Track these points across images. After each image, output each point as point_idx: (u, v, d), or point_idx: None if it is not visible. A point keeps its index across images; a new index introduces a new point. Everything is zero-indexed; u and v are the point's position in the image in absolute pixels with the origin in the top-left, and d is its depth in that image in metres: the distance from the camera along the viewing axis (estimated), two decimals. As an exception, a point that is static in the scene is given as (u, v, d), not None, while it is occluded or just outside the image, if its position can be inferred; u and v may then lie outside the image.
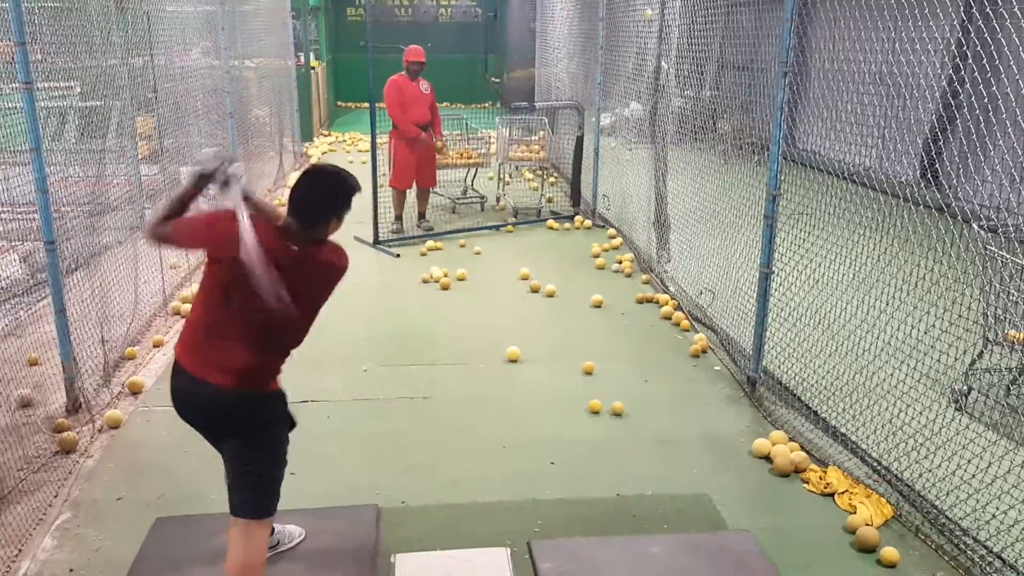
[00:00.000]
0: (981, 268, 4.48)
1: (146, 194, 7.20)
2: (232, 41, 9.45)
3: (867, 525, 3.83)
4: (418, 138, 8.85)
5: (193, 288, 6.40)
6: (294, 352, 2.97)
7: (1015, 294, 4.47)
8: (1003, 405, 4.71)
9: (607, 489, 4.23)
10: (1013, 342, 4.61)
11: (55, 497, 4.07)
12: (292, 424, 3.08)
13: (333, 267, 2.91)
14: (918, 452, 4.08)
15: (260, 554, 2.95)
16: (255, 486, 2.90)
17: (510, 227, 9.56)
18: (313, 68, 16.45)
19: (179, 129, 7.67)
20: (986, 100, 4.20)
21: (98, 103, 5.97)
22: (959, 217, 4.29)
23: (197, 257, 7.09)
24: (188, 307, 6.30)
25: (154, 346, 5.90)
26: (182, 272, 7.30)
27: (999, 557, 3.54)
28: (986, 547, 3.61)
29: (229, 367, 2.82)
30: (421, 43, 9.47)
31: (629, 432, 4.87)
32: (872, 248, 4.87)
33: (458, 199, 10.34)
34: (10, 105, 4.78)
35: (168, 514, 3.78)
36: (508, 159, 10.40)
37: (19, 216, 6.22)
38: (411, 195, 9.27)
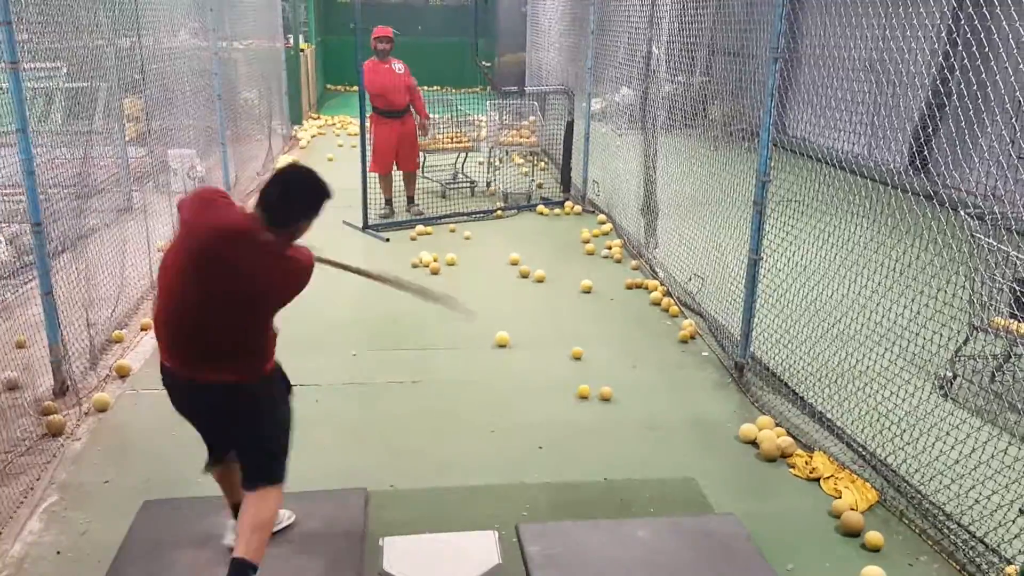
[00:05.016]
0: (968, 255, 4.51)
1: (133, 176, 7.16)
2: (220, 22, 9.37)
3: (852, 510, 3.86)
4: (396, 117, 8.75)
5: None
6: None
7: (1001, 281, 4.50)
8: (988, 391, 4.75)
9: (595, 473, 4.26)
10: (998, 329, 4.64)
11: (41, 479, 4.06)
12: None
13: (305, 267, 2.90)
14: (903, 438, 4.12)
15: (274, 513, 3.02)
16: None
17: (500, 212, 9.54)
18: (302, 50, 16.33)
19: (167, 111, 7.62)
20: (975, 88, 4.21)
21: (85, 84, 5.92)
22: (947, 204, 4.30)
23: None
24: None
25: (141, 329, 5.87)
26: (170, 255, 7.26)
27: (982, 541, 3.58)
28: (969, 531, 3.65)
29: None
30: (411, 26, 9.40)
31: (617, 417, 4.89)
32: (860, 235, 4.89)
33: (448, 184, 10.31)
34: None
35: (156, 497, 3.78)
36: (498, 144, 10.37)
37: (5, 198, 6.18)
38: (399, 179, 9.24)
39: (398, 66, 8.85)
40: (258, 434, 3.01)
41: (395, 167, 9.06)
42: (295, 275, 2.88)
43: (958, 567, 3.54)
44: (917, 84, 4.61)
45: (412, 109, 9.06)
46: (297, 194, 2.86)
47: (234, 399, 2.94)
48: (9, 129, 4.48)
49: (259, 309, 2.89)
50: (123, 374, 5.19)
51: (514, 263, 7.63)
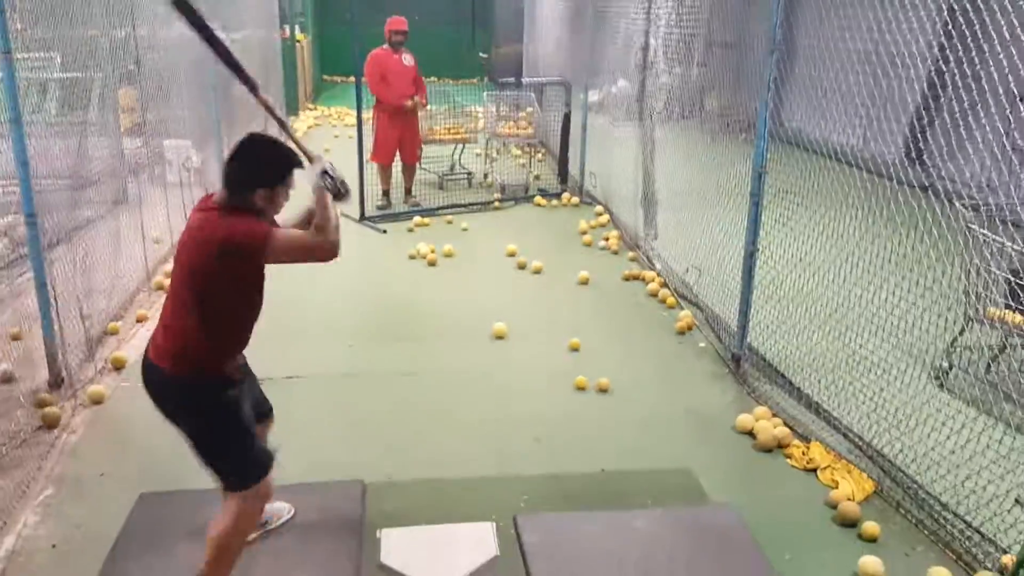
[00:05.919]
0: (963, 246, 4.51)
1: (128, 167, 7.13)
2: (215, 12, 9.31)
3: (849, 500, 3.87)
4: (402, 108, 8.76)
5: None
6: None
7: (996, 272, 4.50)
8: (983, 382, 4.76)
9: (592, 464, 4.26)
10: (993, 319, 4.65)
11: (38, 471, 4.05)
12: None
13: (209, 235, 2.69)
14: (899, 428, 4.13)
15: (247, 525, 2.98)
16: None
17: (497, 203, 9.53)
18: (298, 41, 16.28)
19: (162, 102, 7.58)
20: (971, 80, 4.20)
21: (79, 75, 5.88)
22: (942, 196, 4.31)
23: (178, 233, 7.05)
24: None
25: (137, 321, 5.86)
26: (165, 247, 7.23)
27: (977, 531, 3.60)
28: (965, 521, 3.66)
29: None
30: (408, 16, 9.32)
31: (614, 408, 4.89)
32: (856, 226, 4.89)
33: (445, 175, 10.30)
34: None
35: (152, 489, 3.78)
36: (495, 135, 10.35)
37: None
38: (398, 171, 9.23)
39: (408, 58, 8.86)
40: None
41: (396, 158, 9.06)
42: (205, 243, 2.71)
43: (954, 556, 3.56)
44: (912, 76, 4.61)
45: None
46: (244, 158, 2.78)
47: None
48: (2, 119, 4.45)
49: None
50: (119, 366, 5.18)
51: (511, 254, 7.63)
